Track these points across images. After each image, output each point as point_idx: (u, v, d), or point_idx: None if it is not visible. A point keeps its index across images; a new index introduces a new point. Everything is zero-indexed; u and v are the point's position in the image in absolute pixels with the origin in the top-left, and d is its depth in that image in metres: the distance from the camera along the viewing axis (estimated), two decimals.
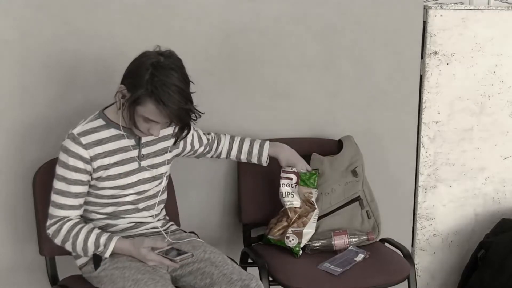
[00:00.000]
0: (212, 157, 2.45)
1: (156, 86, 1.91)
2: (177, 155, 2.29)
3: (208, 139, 2.39)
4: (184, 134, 2.11)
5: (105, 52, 2.36)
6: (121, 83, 2.00)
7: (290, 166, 2.43)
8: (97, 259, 2.10)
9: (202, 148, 2.38)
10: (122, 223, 2.15)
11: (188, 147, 2.33)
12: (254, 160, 2.44)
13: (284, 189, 2.40)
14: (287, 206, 2.40)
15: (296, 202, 2.40)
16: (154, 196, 2.21)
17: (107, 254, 2.06)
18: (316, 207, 2.41)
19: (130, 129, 2.07)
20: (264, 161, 2.44)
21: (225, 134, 2.44)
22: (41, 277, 2.34)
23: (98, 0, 2.35)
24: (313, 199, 2.41)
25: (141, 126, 2.00)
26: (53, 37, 2.31)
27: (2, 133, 2.32)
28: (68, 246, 2.08)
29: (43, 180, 2.22)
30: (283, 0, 2.59)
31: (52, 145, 2.30)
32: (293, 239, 2.35)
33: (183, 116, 1.98)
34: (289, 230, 2.36)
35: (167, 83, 1.92)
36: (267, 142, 2.44)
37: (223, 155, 2.43)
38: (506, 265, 2.77)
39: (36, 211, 2.24)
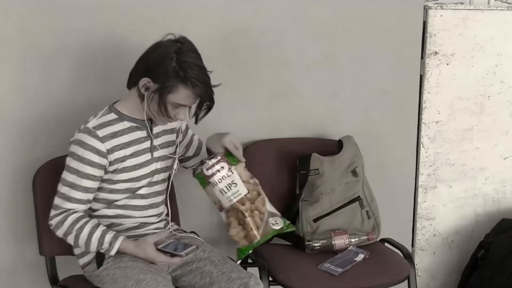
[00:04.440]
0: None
1: (187, 70, 1.98)
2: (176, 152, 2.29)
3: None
4: (207, 111, 2.13)
5: (105, 52, 2.36)
6: (142, 76, 2.02)
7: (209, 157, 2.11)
8: (100, 258, 2.10)
9: (198, 159, 2.34)
10: (128, 222, 2.15)
11: (180, 149, 2.29)
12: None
13: (221, 185, 2.04)
14: (235, 201, 2.05)
15: (242, 189, 2.06)
16: (162, 192, 2.22)
17: (113, 252, 2.06)
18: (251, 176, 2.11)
19: (142, 121, 2.10)
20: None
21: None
22: (41, 277, 2.34)
23: (98, 0, 2.35)
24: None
25: (170, 113, 2.04)
26: (53, 37, 2.32)
27: (2, 133, 2.32)
28: (70, 239, 2.06)
29: (43, 180, 2.22)
30: (283, 0, 2.59)
31: (53, 145, 2.30)
32: (276, 221, 2.11)
33: (210, 92, 2.07)
34: (257, 219, 2.07)
35: (192, 66, 2.00)
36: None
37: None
38: (506, 265, 2.77)
39: (36, 211, 2.24)
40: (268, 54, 2.61)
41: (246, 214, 2.05)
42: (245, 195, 2.06)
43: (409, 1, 2.75)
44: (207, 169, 2.05)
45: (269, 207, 2.13)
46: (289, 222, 2.15)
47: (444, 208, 3.04)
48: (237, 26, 2.55)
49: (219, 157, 2.07)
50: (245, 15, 2.55)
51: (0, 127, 2.31)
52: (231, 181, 2.05)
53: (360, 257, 2.35)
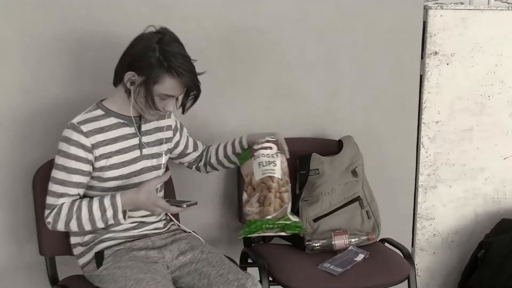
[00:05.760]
0: (205, 166, 2.43)
1: (170, 59, 1.98)
2: (169, 150, 2.29)
3: (203, 148, 2.43)
4: (194, 101, 2.13)
5: (104, 52, 2.36)
6: (126, 70, 2.03)
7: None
8: (99, 258, 2.10)
9: (196, 154, 2.40)
10: (126, 222, 2.14)
11: (180, 148, 2.35)
12: (238, 146, 2.34)
13: (262, 159, 2.15)
14: (268, 174, 2.13)
15: (278, 171, 2.15)
16: (158, 191, 2.21)
17: (120, 213, 2.01)
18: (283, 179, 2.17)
19: (130, 118, 2.10)
20: (245, 144, 2.32)
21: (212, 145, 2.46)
22: (41, 277, 2.34)
23: (98, 0, 2.35)
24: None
25: (158, 105, 2.04)
26: (53, 37, 2.32)
27: (2, 133, 2.32)
28: (73, 225, 2.03)
29: (43, 180, 2.21)
30: (283, 0, 2.59)
31: (52, 145, 2.29)
32: (294, 216, 2.15)
33: (196, 80, 2.06)
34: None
35: (176, 55, 2.00)
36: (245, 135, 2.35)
37: (213, 157, 2.39)
38: (506, 265, 2.77)
39: (36, 211, 2.24)
40: (269, 54, 2.61)
41: (272, 191, 2.10)
42: (278, 178, 2.13)
43: (409, 1, 2.75)
44: (258, 144, 2.20)
45: (290, 208, 2.15)
46: (302, 225, 2.16)
47: (444, 208, 3.04)
48: (237, 26, 2.55)
49: (274, 140, 2.21)
50: (245, 15, 2.55)
51: (0, 127, 2.31)
52: (272, 161, 2.16)
53: (360, 257, 2.35)
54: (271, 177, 2.13)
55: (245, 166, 2.21)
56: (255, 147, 2.19)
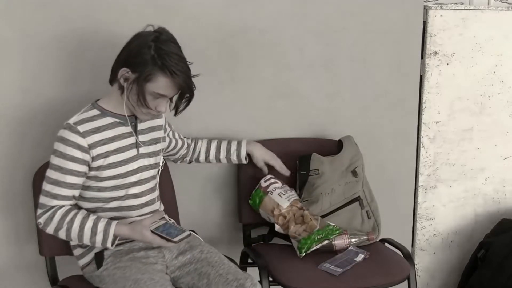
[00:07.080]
0: (190, 161, 2.48)
1: (165, 58, 1.97)
2: (162, 149, 2.30)
3: (187, 142, 2.45)
4: (187, 104, 2.13)
5: (105, 52, 2.36)
6: (121, 67, 2.03)
7: (266, 165, 2.51)
8: (99, 258, 2.10)
9: (182, 151, 2.42)
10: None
11: (174, 142, 2.37)
12: (234, 157, 2.46)
13: (278, 191, 2.44)
14: (293, 199, 2.43)
15: (294, 194, 2.47)
16: (155, 189, 2.22)
17: (109, 242, 2.02)
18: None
19: (125, 117, 2.10)
20: (244, 157, 2.47)
21: (201, 139, 2.49)
22: (41, 277, 2.34)
23: (98, 0, 2.35)
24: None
25: (150, 104, 2.03)
26: (53, 37, 2.32)
27: (2, 133, 2.32)
28: (61, 234, 2.03)
29: (43, 180, 2.21)
30: (283, 0, 2.59)
31: (52, 145, 2.30)
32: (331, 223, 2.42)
33: (189, 83, 2.04)
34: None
35: (171, 54, 1.99)
36: (244, 140, 2.49)
37: (202, 156, 2.46)
38: (506, 265, 2.77)
39: (36, 211, 2.23)
40: (268, 54, 2.61)
41: (304, 208, 2.40)
42: (297, 199, 2.45)
43: (409, 1, 2.75)
44: (265, 181, 2.46)
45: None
46: (339, 227, 2.39)
47: (444, 208, 3.04)
48: (237, 26, 2.55)
49: (273, 177, 2.48)
50: (245, 15, 2.55)
51: (0, 127, 2.31)
52: (286, 189, 2.45)
53: (360, 257, 2.35)
54: (297, 200, 2.44)
55: (264, 204, 2.43)
56: (263, 184, 2.45)
